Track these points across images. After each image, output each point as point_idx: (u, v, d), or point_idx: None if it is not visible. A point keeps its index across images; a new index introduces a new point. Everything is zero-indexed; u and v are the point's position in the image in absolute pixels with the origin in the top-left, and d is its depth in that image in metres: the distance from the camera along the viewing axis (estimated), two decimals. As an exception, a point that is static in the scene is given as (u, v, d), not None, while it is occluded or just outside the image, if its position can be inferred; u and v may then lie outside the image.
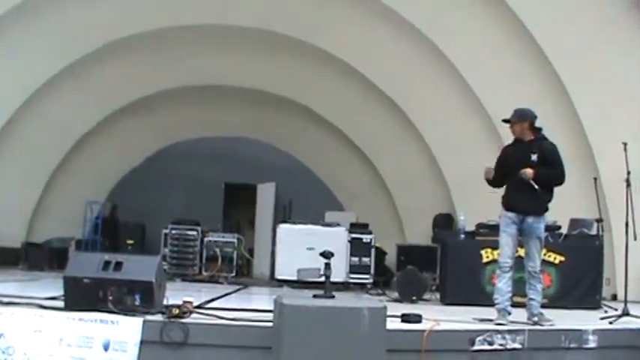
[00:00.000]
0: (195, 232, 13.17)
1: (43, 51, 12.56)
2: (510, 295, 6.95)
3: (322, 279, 7.03)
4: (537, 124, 7.15)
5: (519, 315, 6.98)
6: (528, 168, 6.91)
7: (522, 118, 7.09)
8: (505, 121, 7.13)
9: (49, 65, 13.00)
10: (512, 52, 11.52)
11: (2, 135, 13.43)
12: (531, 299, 7.00)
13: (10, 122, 13.36)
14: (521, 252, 7.22)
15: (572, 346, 6.41)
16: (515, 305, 7.04)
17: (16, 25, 11.82)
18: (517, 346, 6.20)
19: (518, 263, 7.16)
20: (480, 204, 10.69)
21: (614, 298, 10.35)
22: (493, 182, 7.24)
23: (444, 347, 5.96)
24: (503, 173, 7.15)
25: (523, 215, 7.00)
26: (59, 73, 13.14)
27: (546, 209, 7.13)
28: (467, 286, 9.23)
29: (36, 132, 14.09)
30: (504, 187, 7.22)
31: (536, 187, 6.90)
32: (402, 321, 6.37)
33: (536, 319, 6.85)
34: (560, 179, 7.07)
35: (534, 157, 6.97)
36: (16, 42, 12.12)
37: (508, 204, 7.11)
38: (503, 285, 6.95)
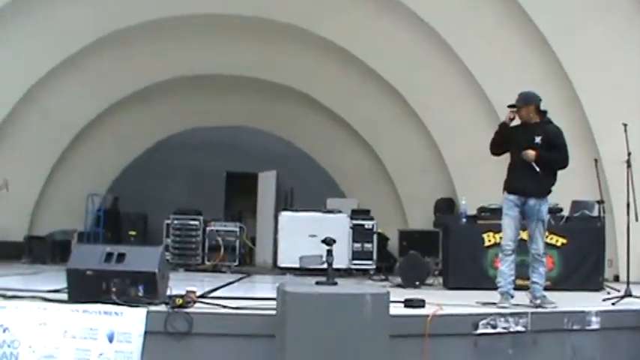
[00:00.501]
0: (197, 222, 13.19)
1: (41, 44, 12.53)
2: (513, 278, 6.97)
3: (325, 266, 7.05)
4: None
5: (522, 298, 7.00)
6: (531, 150, 6.92)
7: (528, 101, 7.09)
8: (511, 106, 7.11)
9: (48, 58, 12.98)
10: (513, 37, 11.48)
11: (3, 129, 13.43)
12: (534, 282, 7.01)
13: (10, 116, 13.35)
14: (524, 235, 7.23)
15: (575, 327, 6.43)
16: (517, 288, 7.05)
17: (14, 18, 11.78)
18: (520, 328, 6.22)
19: (521, 246, 7.16)
20: (481, 188, 10.74)
21: (617, 279, 10.34)
22: (496, 139, 7.23)
23: (447, 331, 5.98)
24: (505, 144, 7.16)
25: (525, 197, 7.00)
26: (58, 66, 13.11)
27: (549, 192, 7.13)
28: (469, 270, 9.25)
29: (36, 125, 14.08)
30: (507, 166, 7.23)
31: (538, 169, 6.91)
32: (405, 306, 6.39)
33: (538, 301, 6.86)
34: (563, 163, 7.08)
35: (538, 139, 6.99)
36: (14, 35, 12.09)
37: (510, 186, 7.11)
38: (505, 268, 6.96)
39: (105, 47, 13.24)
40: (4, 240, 14.18)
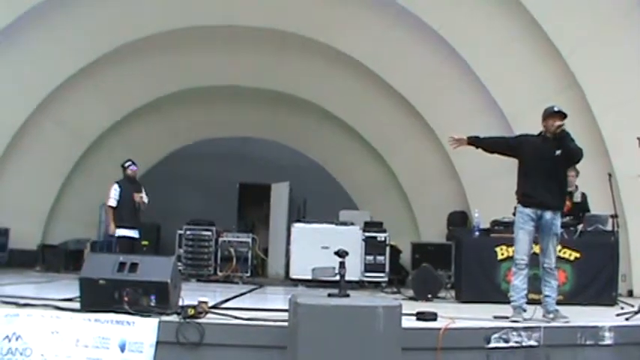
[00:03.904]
0: (210, 233, 13.19)
1: (57, 54, 12.65)
2: (526, 292, 6.93)
3: (337, 278, 7.02)
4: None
5: (534, 312, 6.96)
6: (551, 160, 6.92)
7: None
8: (561, 113, 7.07)
9: (64, 68, 13.09)
10: (526, 49, 11.47)
11: (18, 138, 13.52)
12: (547, 296, 6.98)
13: (26, 125, 13.44)
14: (536, 249, 7.20)
15: (588, 342, 6.37)
16: (529, 302, 7.01)
17: (30, 28, 11.89)
18: (533, 343, 6.18)
19: (533, 260, 7.13)
20: (494, 201, 10.71)
21: (630, 294, 10.26)
22: (481, 143, 7.30)
23: (459, 345, 5.95)
24: (508, 150, 7.23)
25: (542, 210, 6.95)
26: (74, 75, 13.22)
27: (563, 206, 7.13)
28: (482, 284, 9.19)
29: (51, 134, 14.18)
30: (518, 181, 7.21)
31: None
32: (418, 319, 6.37)
33: (551, 316, 6.84)
34: (580, 152, 7.04)
35: (558, 152, 6.97)
36: (30, 45, 12.20)
37: (526, 199, 7.06)
38: (519, 282, 6.93)
39: (121, 58, 13.33)
40: (17, 248, 14.23)
